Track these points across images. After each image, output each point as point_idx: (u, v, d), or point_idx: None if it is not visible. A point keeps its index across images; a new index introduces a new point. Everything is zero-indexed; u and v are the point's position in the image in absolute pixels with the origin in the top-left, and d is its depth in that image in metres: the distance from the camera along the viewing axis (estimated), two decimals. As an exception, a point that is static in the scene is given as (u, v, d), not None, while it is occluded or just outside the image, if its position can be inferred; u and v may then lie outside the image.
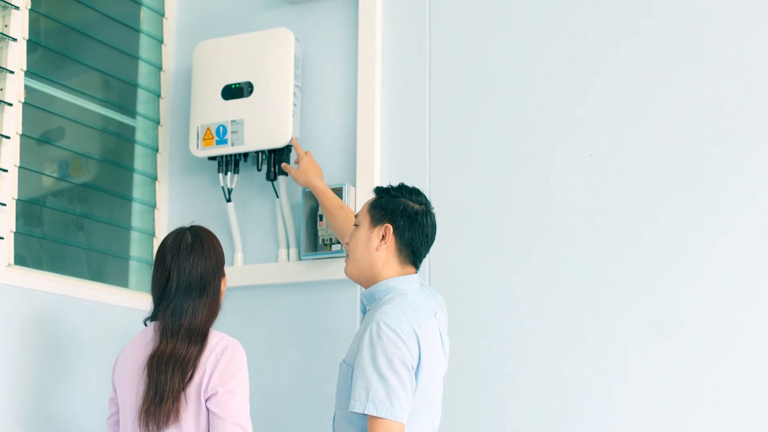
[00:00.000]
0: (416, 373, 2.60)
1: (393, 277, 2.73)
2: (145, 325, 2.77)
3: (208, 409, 2.62)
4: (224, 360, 2.65)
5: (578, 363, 2.97)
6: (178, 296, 2.68)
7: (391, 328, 2.59)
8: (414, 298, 2.69)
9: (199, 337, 2.67)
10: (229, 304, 2.95)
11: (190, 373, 2.63)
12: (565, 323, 3.00)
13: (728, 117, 2.91)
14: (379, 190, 2.82)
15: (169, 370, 2.62)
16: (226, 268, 3.02)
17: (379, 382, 2.56)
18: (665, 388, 2.86)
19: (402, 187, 2.79)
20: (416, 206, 2.75)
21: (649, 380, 2.88)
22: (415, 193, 2.78)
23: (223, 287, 2.78)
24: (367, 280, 2.79)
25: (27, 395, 2.99)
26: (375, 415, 2.54)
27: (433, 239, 2.78)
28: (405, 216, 2.74)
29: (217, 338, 2.70)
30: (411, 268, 2.77)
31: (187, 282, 2.69)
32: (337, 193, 3.23)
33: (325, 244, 3.26)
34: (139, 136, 3.60)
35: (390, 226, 2.73)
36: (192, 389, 2.63)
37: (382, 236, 2.73)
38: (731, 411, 2.79)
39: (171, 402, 2.61)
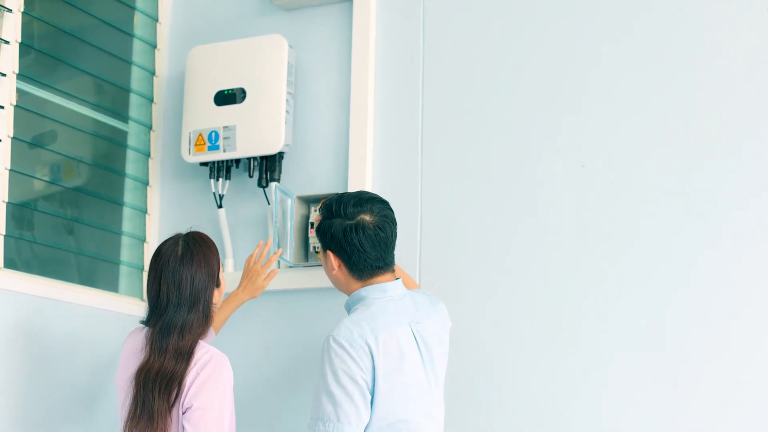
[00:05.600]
0: (373, 388, 2.58)
1: (363, 287, 2.72)
2: (141, 324, 2.75)
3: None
4: (203, 375, 2.62)
5: (568, 374, 2.97)
6: (170, 311, 2.66)
7: (338, 343, 2.57)
8: (379, 308, 2.66)
9: (186, 354, 2.64)
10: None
11: (175, 391, 2.61)
12: (555, 334, 3.00)
13: (722, 128, 2.92)
14: (319, 210, 2.79)
15: (156, 389, 2.60)
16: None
17: (327, 399, 2.55)
18: (655, 398, 2.87)
19: (338, 201, 2.73)
20: (347, 222, 2.69)
21: (638, 391, 2.89)
22: (348, 205, 2.71)
23: (216, 298, 2.75)
24: (345, 292, 2.79)
25: (14, 399, 2.98)
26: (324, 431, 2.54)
27: (379, 248, 2.70)
28: (335, 240, 2.70)
29: (202, 351, 2.67)
30: (381, 276, 2.73)
31: (178, 298, 2.66)
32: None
33: (316, 252, 3.26)
34: (131, 140, 3.59)
35: (330, 253, 2.72)
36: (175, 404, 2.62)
37: (332, 261, 2.73)
38: (718, 421, 2.80)
39: (159, 421, 2.59)
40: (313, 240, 3.25)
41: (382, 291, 2.71)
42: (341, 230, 2.69)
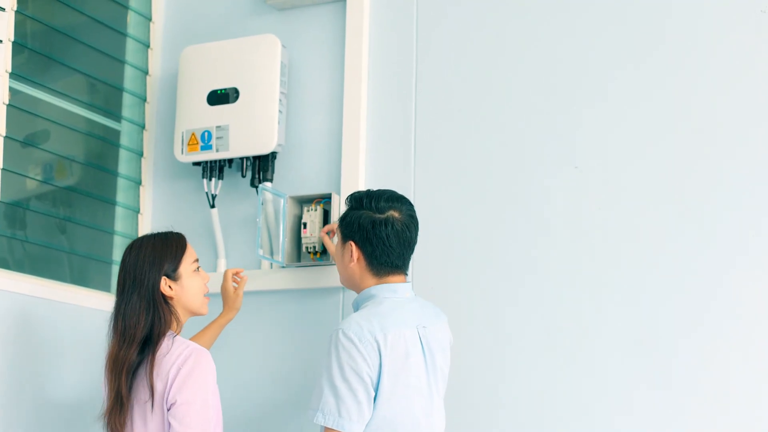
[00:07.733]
0: (377, 385, 2.58)
1: (374, 285, 2.73)
2: None
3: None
4: (185, 369, 2.64)
5: (561, 375, 2.97)
6: (117, 294, 2.75)
7: (348, 337, 2.57)
8: (390, 307, 2.67)
9: (134, 342, 2.67)
10: (210, 311, 2.94)
11: (124, 374, 2.65)
12: (547, 335, 3.00)
13: (716, 129, 2.92)
14: (347, 201, 2.81)
15: (116, 373, 2.67)
16: (210, 274, 3.02)
17: (330, 391, 2.55)
18: (650, 402, 2.87)
19: (368, 195, 2.76)
20: (376, 216, 2.71)
21: (634, 394, 2.88)
22: (380, 200, 2.74)
23: (175, 293, 2.76)
24: (354, 289, 2.79)
25: (4, 398, 2.97)
26: (323, 424, 2.54)
27: (403, 245, 2.73)
28: (362, 231, 2.72)
29: (181, 347, 2.68)
30: (395, 276, 2.74)
31: (122, 279, 2.74)
32: (322, 200, 3.23)
33: (309, 252, 3.25)
34: (124, 140, 3.59)
35: (353, 243, 2.73)
36: (157, 399, 2.63)
37: (351, 252, 2.73)
38: (714, 424, 2.80)
39: (127, 408, 2.65)
40: (306, 240, 3.25)
41: (393, 291, 2.72)
42: (370, 222, 2.71)
